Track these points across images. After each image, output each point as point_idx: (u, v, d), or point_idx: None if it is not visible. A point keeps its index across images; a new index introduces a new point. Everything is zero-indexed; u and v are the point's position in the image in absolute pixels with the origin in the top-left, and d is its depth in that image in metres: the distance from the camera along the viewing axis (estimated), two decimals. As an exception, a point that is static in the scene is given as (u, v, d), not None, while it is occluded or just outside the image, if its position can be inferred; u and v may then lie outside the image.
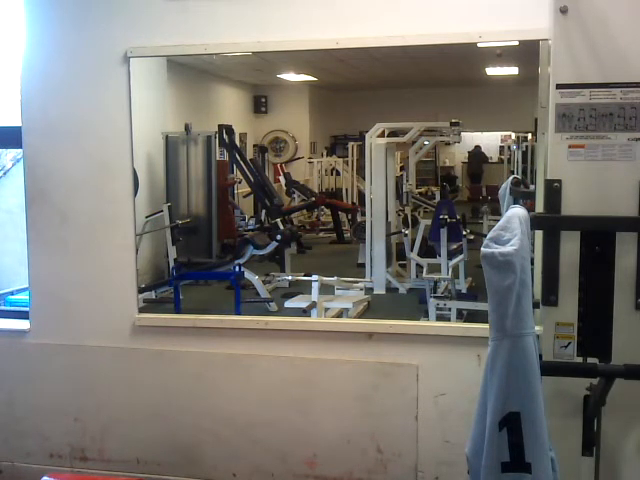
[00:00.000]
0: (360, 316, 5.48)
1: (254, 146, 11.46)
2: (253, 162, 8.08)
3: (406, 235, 6.84)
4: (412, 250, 6.92)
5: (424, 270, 6.39)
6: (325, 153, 12.20)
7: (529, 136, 10.01)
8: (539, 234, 2.36)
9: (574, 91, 2.13)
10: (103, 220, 3.24)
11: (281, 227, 6.82)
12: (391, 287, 6.77)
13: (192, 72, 8.75)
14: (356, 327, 3.13)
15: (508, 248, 1.76)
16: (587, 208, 2.12)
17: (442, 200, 8.44)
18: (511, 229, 1.82)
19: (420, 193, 9.95)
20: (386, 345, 2.98)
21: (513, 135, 12.56)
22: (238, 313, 5.28)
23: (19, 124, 3.30)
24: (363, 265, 7.09)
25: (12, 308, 4.03)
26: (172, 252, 6.43)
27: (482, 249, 1.78)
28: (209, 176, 7.35)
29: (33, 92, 3.26)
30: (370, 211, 7.06)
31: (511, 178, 3.04)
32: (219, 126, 7.36)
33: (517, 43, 3.01)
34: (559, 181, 2.14)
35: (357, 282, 6.45)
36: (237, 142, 8.30)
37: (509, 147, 13.39)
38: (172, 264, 6.24)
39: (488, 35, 2.82)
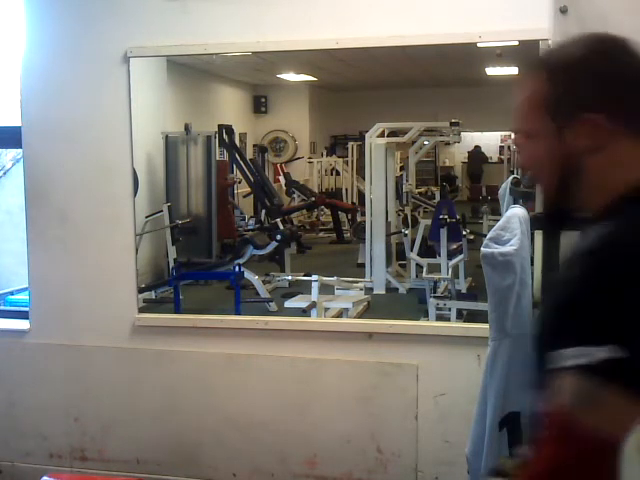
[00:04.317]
0: (360, 316, 5.48)
1: (254, 146, 11.46)
2: (253, 162, 8.08)
3: (406, 235, 6.84)
4: (412, 250, 6.92)
5: (424, 270, 6.39)
6: (325, 153, 12.20)
7: (529, 136, 10.00)
8: (539, 234, 2.36)
9: (574, 91, 2.13)
10: (103, 220, 3.24)
11: (281, 227, 6.82)
12: (391, 287, 6.77)
13: (192, 72, 8.75)
14: (356, 327, 3.13)
15: (508, 248, 1.76)
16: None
17: (442, 200, 8.45)
18: (511, 229, 1.82)
19: (420, 193, 9.94)
20: (386, 345, 2.98)
21: (513, 135, 12.55)
22: (238, 313, 5.27)
23: (19, 124, 3.30)
24: (363, 265, 7.09)
25: (12, 308, 4.03)
26: (172, 252, 6.43)
27: (482, 249, 1.78)
28: (209, 176, 7.34)
29: (33, 92, 3.26)
30: (370, 211, 7.06)
31: (511, 178, 3.05)
32: (219, 126, 7.36)
33: (517, 43, 3.01)
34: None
35: (357, 282, 6.45)
36: (237, 142, 8.31)
37: (509, 147, 13.39)
38: (172, 264, 6.24)
39: (488, 35, 2.82)
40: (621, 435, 0.86)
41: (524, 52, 3.41)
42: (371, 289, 6.53)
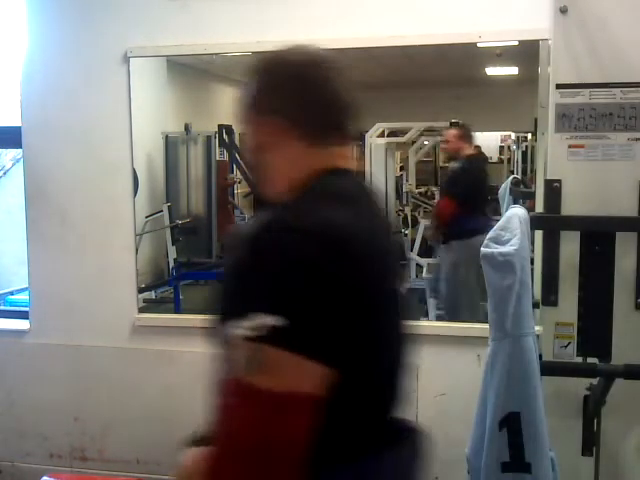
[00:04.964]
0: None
1: (254, 146, 11.45)
2: (253, 162, 8.06)
3: (406, 235, 6.84)
4: (412, 250, 6.92)
5: (424, 270, 6.38)
6: (325, 153, 12.19)
7: (529, 136, 10.00)
8: (539, 234, 2.36)
9: (574, 91, 2.13)
10: (103, 220, 3.24)
11: (281, 227, 6.79)
12: (391, 287, 6.76)
13: (192, 72, 8.74)
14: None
15: (508, 248, 1.76)
16: (587, 208, 2.13)
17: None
18: (511, 229, 1.82)
19: (420, 193, 9.94)
20: (386, 345, 2.97)
21: (513, 135, 12.53)
22: (238, 313, 5.26)
23: (19, 124, 3.30)
24: (363, 265, 7.08)
25: (12, 308, 4.03)
26: (172, 252, 6.42)
27: (482, 249, 1.78)
28: (209, 176, 7.34)
29: (33, 92, 3.26)
30: (370, 211, 7.04)
31: (511, 178, 3.05)
32: (219, 126, 7.35)
33: (517, 43, 3.01)
34: (559, 181, 2.14)
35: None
36: (237, 142, 8.31)
37: (509, 147, 13.38)
38: (172, 264, 6.23)
39: (488, 35, 2.82)
40: (298, 390, 0.99)
41: (524, 52, 3.41)
42: (371, 289, 6.52)
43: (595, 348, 2.12)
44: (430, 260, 6.61)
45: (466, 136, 5.16)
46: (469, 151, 5.15)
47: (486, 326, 1.84)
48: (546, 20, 2.18)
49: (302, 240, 1.03)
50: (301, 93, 1.20)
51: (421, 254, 6.97)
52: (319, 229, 1.04)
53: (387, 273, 1.16)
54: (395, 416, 1.26)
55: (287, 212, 1.11)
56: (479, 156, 5.92)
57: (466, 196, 4.94)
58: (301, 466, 1.02)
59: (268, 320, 0.98)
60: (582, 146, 2.13)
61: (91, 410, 3.32)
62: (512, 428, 1.79)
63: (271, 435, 1.00)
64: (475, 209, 5.02)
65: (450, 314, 4.80)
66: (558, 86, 2.14)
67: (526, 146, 10.07)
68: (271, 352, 0.99)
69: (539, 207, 2.58)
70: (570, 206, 2.13)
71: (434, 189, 10.76)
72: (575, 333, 2.13)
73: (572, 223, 2.13)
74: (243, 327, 1.00)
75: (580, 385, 2.09)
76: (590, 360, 2.11)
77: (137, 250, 3.35)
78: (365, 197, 1.23)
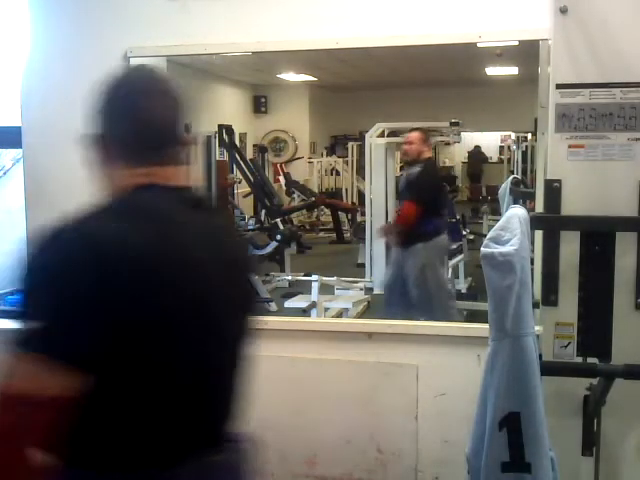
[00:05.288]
0: (360, 316, 5.48)
1: (254, 146, 11.46)
2: (253, 162, 8.09)
3: (406, 235, 6.84)
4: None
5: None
6: (325, 153, 12.22)
7: (529, 136, 10.01)
8: (539, 234, 2.36)
9: (574, 91, 2.13)
10: (103, 220, 3.24)
11: (281, 227, 6.83)
12: (391, 287, 6.76)
13: (192, 72, 8.76)
14: (356, 327, 3.13)
15: (508, 248, 1.76)
16: (587, 208, 2.13)
17: (442, 200, 8.43)
18: (511, 229, 1.82)
19: (420, 193, 9.93)
20: (386, 345, 2.97)
21: (513, 135, 12.56)
22: (238, 313, 5.26)
23: (19, 124, 3.30)
24: (363, 265, 7.10)
25: (12, 308, 4.03)
26: (172, 252, 6.43)
27: (482, 249, 1.78)
28: (209, 176, 7.35)
29: (33, 92, 3.26)
30: (370, 211, 7.07)
31: (511, 178, 3.05)
32: (219, 126, 7.36)
33: (517, 43, 3.01)
34: (559, 181, 2.14)
35: (357, 282, 6.46)
36: (237, 142, 8.31)
37: (509, 147, 13.41)
38: (172, 264, 6.23)
39: (488, 35, 2.82)
40: (45, 393, 1.02)
41: (524, 52, 3.41)
42: (371, 289, 6.53)
43: (595, 348, 2.12)
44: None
45: (427, 139, 5.32)
46: (428, 154, 5.31)
47: (486, 326, 1.85)
48: (546, 20, 2.18)
49: (61, 246, 1.09)
50: (124, 117, 1.28)
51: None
52: (86, 237, 1.12)
53: (180, 285, 1.16)
54: (217, 430, 1.30)
55: (66, 221, 1.19)
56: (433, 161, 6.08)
57: (428, 199, 5.09)
58: (52, 469, 1.04)
59: (26, 324, 1.04)
60: (582, 146, 2.13)
61: (91, 410, 3.32)
62: (512, 428, 1.80)
63: (19, 439, 1.02)
64: (435, 211, 5.18)
65: (426, 317, 4.82)
66: (558, 86, 2.14)
67: (526, 146, 10.09)
68: (23, 356, 1.03)
69: (539, 207, 2.58)
70: (570, 206, 2.13)
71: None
72: (575, 333, 2.13)
73: (572, 223, 2.13)
74: (14, 332, 1.04)
75: (580, 385, 2.09)
76: (590, 360, 2.11)
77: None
78: (179, 213, 1.25)
